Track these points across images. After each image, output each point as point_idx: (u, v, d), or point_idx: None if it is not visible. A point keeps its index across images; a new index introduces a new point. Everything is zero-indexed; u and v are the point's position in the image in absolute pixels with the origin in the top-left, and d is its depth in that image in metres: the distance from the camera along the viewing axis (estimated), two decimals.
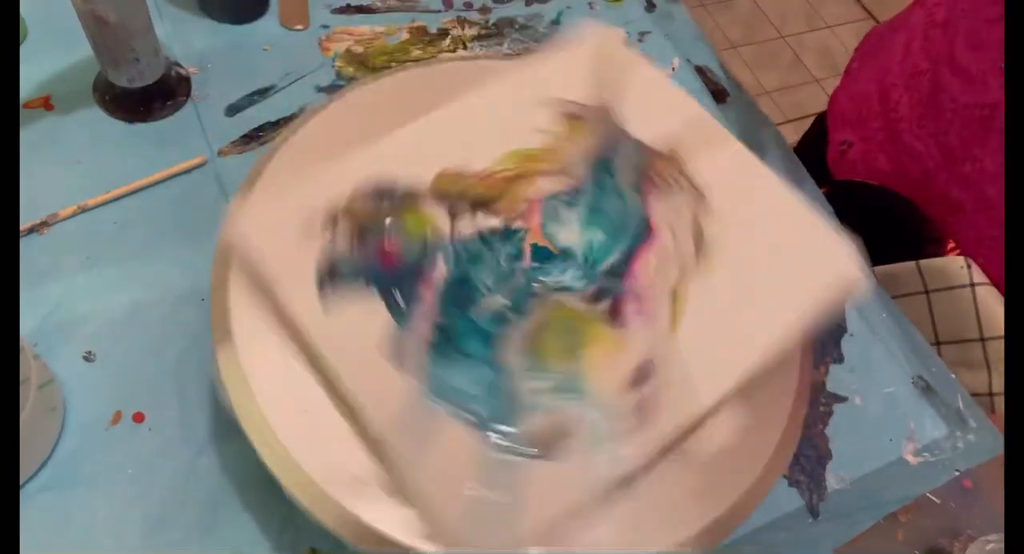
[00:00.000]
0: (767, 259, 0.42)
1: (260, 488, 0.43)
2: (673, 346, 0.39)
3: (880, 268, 0.62)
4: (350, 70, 0.60)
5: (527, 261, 0.41)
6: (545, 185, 0.43)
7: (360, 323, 0.37)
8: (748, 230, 0.43)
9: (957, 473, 0.51)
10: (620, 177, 0.44)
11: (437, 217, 0.41)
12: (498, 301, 0.39)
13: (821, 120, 0.74)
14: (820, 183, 0.64)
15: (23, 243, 0.49)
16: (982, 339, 0.58)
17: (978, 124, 0.57)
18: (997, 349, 0.58)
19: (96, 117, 0.55)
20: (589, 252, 0.41)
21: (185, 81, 0.57)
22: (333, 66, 0.60)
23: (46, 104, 0.54)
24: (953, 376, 0.55)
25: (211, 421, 0.45)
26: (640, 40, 0.68)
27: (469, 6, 0.67)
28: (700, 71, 0.67)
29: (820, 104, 0.75)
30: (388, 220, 0.40)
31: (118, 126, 0.55)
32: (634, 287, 0.40)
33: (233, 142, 0.55)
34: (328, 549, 0.42)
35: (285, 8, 0.63)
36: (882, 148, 0.66)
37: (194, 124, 0.56)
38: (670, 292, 0.40)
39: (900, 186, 0.65)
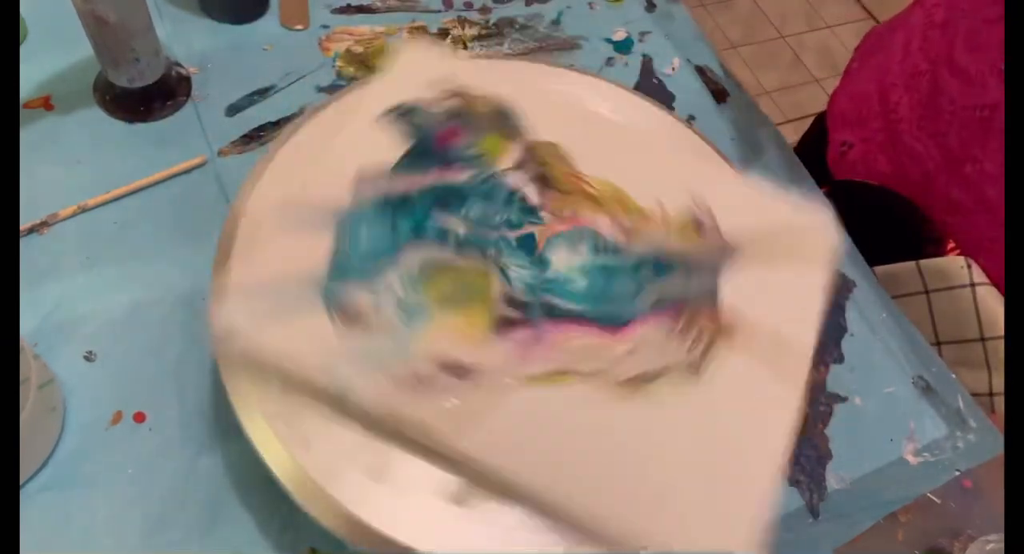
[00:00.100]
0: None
1: (260, 488, 0.43)
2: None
3: (880, 268, 0.62)
4: (350, 70, 0.60)
5: (512, 234, 0.43)
6: (599, 221, 0.44)
7: None
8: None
9: (957, 473, 0.51)
10: (654, 283, 0.42)
11: (511, 152, 0.45)
12: (455, 225, 0.42)
13: (821, 120, 0.74)
14: (820, 183, 0.64)
15: (23, 243, 0.49)
16: (982, 339, 0.58)
17: (978, 125, 0.57)
18: (997, 349, 0.58)
19: (96, 117, 0.55)
20: (565, 279, 0.42)
21: (185, 81, 0.57)
22: (333, 66, 0.60)
23: (46, 104, 0.54)
24: (953, 376, 0.55)
25: (211, 421, 0.45)
26: (640, 40, 0.68)
27: (469, 6, 0.67)
28: (700, 71, 0.67)
29: (820, 104, 0.75)
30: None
31: (118, 126, 0.55)
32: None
33: (233, 142, 0.55)
34: (328, 549, 0.42)
35: (285, 8, 0.63)
36: (882, 149, 0.66)
37: (194, 124, 0.56)
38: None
39: (900, 187, 0.65)
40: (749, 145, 0.64)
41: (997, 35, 0.55)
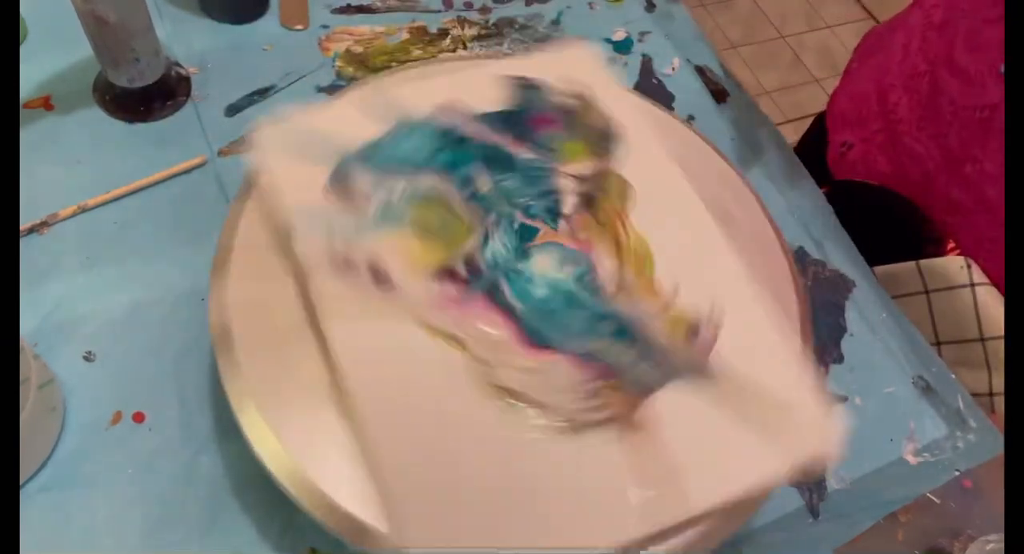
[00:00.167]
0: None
1: (260, 488, 0.43)
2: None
3: (880, 268, 0.62)
4: (350, 70, 0.60)
5: (521, 218, 0.43)
6: (605, 262, 0.43)
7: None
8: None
9: (957, 473, 0.51)
10: (603, 339, 0.41)
11: (584, 164, 0.46)
12: (483, 182, 0.44)
13: (821, 120, 0.74)
14: (820, 183, 0.64)
15: (23, 243, 0.49)
16: (982, 339, 0.58)
17: (977, 126, 0.57)
18: (997, 349, 0.58)
19: (96, 117, 0.55)
20: (530, 279, 0.42)
21: (185, 81, 0.57)
22: (333, 66, 0.60)
23: (46, 104, 0.54)
24: (953, 376, 0.55)
25: (211, 421, 0.45)
26: (640, 40, 0.68)
27: (469, 6, 0.67)
28: (700, 71, 0.67)
29: (820, 104, 0.75)
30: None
31: (118, 126, 0.55)
32: None
33: (233, 142, 0.55)
34: (328, 549, 0.42)
35: (285, 8, 0.63)
36: (882, 150, 0.66)
37: (194, 124, 0.56)
38: None
39: (900, 187, 0.65)
40: (749, 145, 0.64)
41: (997, 35, 0.55)
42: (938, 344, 0.61)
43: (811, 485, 0.49)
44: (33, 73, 0.55)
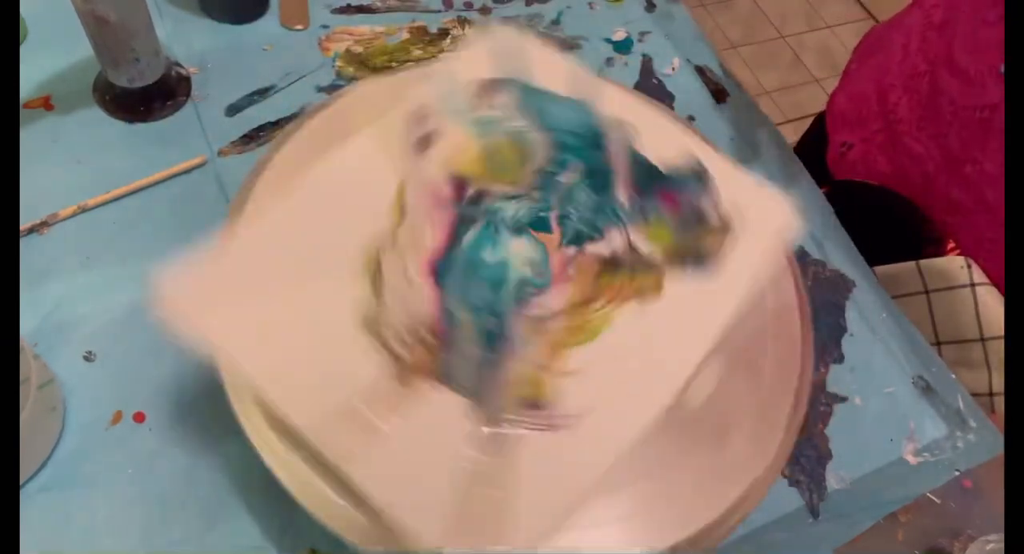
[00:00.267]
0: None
1: (260, 488, 0.43)
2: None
3: (880, 268, 0.62)
4: (350, 70, 0.60)
5: (550, 213, 0.44)
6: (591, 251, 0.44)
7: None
8: None
9: (957, 473, 0.51)
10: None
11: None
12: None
13: (821, 120, 0.74)
14: (820, 183, 0.64)
15: (23, 243, 0.49)
16: (982, 339, 0.58)
17: (977, 126, 0.57)
18: (997, 349, 0.58)
19: (96, 117, 0.55)
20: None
21: (185, 81, 0.57)
22: (333, 66, 0.60)
23: (46, 104, 0.54)
24: (953, 376, 0.55)
25: (211, 421, 0.45)
26: (640, 40, 0.68)
27: (469, 6, 0.67)
28: (700, 71, 0.67)
29: (820, 104, 0.75)
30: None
31: (118, 126, 0.55)
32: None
33: (233, 142, 0.55)
34: (328, 549, 0.42)
35: (285, 8, 0.63)
36: (882, 150, 0.66)
37: (194, 124, 0.56)
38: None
39: (900, 187, 0.65)
40: (748, 145, 0.64)
41: (996, 36, 0.55)
42: (938, 344, 0.61)
43: (811, 485, 0.49)
44: (33, 73, 0.55)
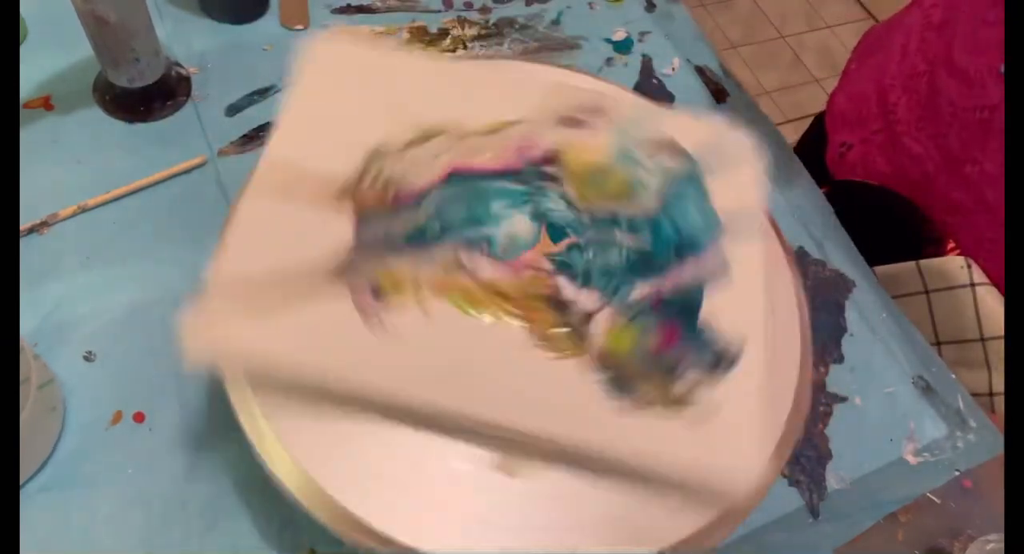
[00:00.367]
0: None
1: (260, 488, 0.43)
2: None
3: (880, 268, 0.62)
4: None
5: (574, 237, 0.43)
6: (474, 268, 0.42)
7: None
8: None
9: (957, 473, 0.51)
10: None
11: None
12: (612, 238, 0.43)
13: (820, 120, 0.74)
14: (820, 183, 0.64)
15: (23, 243, 0.49)
16: (982, 339, 0.58)
17: (977, 126, 0.57)
18: (997, 349, 0.58)
19: (96, 117, 0.55)
20: (515, 199, 0.43)
21: (185, 81, 0.57)
22: None
23: (46, 104, 0.54)
24: (953, 376, 0.55)
25: (211, 421, 0.45)
26: (640, 40, 0.68)
27: (469, 6, 0.67)
28: (700, 71, 0.67)
29: (820, 104, 0.75)
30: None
31: (118, 126, 0.55)
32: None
33: (233, 142, 0.55)
34: (328, 549, 0.42)
35: (285, 8, 0.63)
36: (881, 150, 0.66)
37: (194, 124, 0.56)
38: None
39: (900, 187, 0.65)
40: None
41: (996, 37, 0.55)
42: (938, 344, 0.61)
43: (811, 485, 0.49)
44: (33, 73, 0.55)
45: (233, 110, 0.57)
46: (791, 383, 0.42)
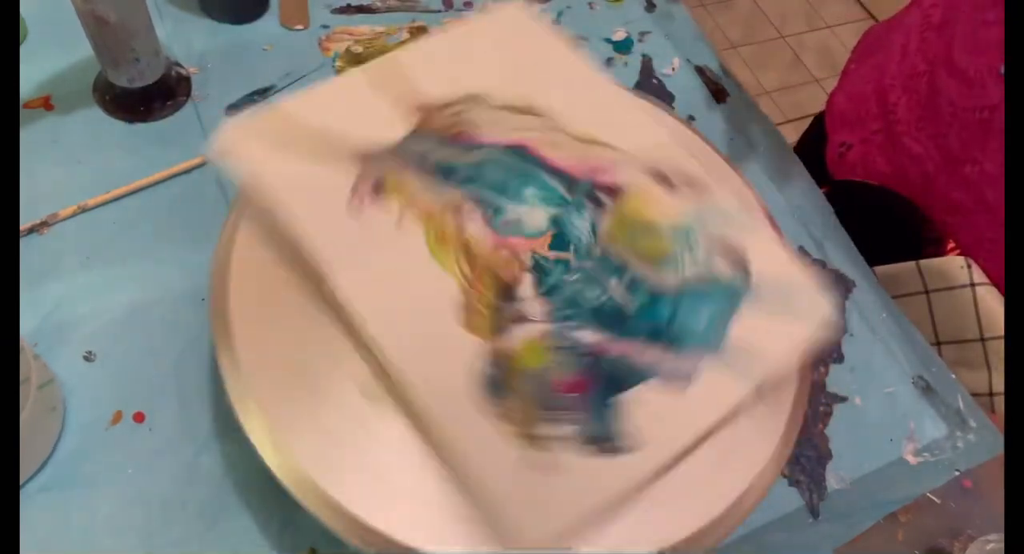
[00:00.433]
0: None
1: (260, 488, 0.43)
2: (631, 152, 0.45)
3: (880, 268, 0.62)
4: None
5: (570, 255, 0.42)
6: (472, 228, 0.42)
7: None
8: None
9: (957, 473, 0.51)
10: (452, 161, 0.44)
11: (527, 337, 0.40)
12: (614, 284, 0.41)
13: (820, 120, 0.74)
14: (820, 183, 0.64)
15: (23, 243, 0.49)
16: (982, 339, 0.58)
17: (977, 127, 0.57)
18: (997, 349, 0.58)
19: (96, 117, 0.55)
20: (550, 199, 0.44)
21: (185, 81, 0.57)
22: (333, 66, 0.60)
23: (46, 104, 0.54)
24: (953, 376, 0.55)
25: (211, 421, 0.45)
26: (640, 40, 0.68)
27: (469, 6, 0.67)
28: (700, 71, 0.67)
29: (820, 104, 0.75)
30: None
31: (118, 126, 0.55)
32: (581, 171, 0.45)
33: None
34: (328, 549, 0.42)
35: (285, 8, 0.63)
36: (881, 150, 0.66)
37: (194, 124, 0.56)
38: (579, 142, 0.45)
39: (900, 187, 0.65)
40: (748, 145, 0.64)
41: (995, 37, 0.55)
42: (938, 344, 0.61)
43: (811, 485, 0.49)
44: (33, 73, 0.55)
45: (233, 110, 0.57)
46: (791, 384, 0.42)
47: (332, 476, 0.35)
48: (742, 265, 0.42)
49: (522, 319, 0.39)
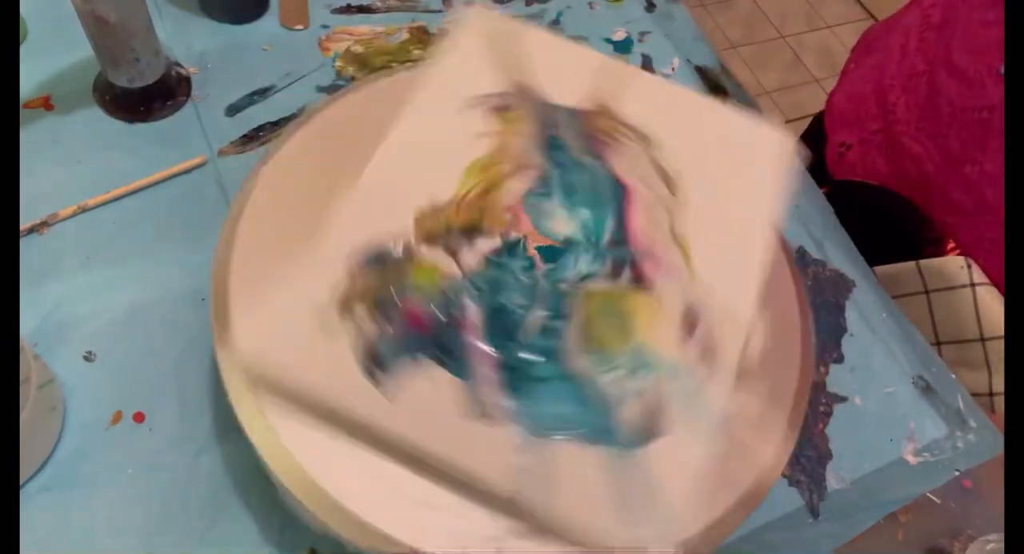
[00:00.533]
0: (721, 168, 0.44)
1: (260, 488, 0.43)
2: (699, 283, 0.41)
3: (880, 268, 0.62)
4: (350, 70, 0.60)
5: (541, 266, 0.41)
6: (515, 186, 0.43)
7: (430, 397, 0.36)
8: (693, 149, 0.45)
9: (957, 473, 0.51)
10: (572, 148, 0.44)
11: (439, 261, 0.40)
12: (538, 315, 0.39)
13: (820, 120, 0.74)
14: (820, 183, 0.64)
15: (23, 243, 0.49)
16: (982, 339, 0.59)
17: (977, 127, 0.57)
18: (997, 349, 0.58)
19: (96, 117, 0.55)
20: (588, 231, 0.42)
21: (185, 81, 0.57)
22: (333, 66, 0.60)
23: (46, 104, 0.54)
24: (953, 376, 0.55)
25: (211, 421, 0.45)
26: (640, 40, 0.68)
27: (469, 6, 0.67)
28: (700, 71, 0.67)
29: (820, 104, 0.75)
30: (395, 286, 0.38)
31: (118, 126, 0.55)
32: (641, 247, 0.42)
33: (233, 142, 0.55)
34: (328, 549, 0.42)
35: (285, 8, 0.63)
36: (881, 150, 0.66)
37: (194, 124, 0.56)
38: (670, 236, 0.42)
39: (900, 187, 0.65)
40: None
41: (995, 37, 0.55)
42: (938, 344, 0.61)
43: (811, 485, 0.49)
44: (33, 73, 0.55)
45: (233, 110, 0.57)
46: (791, 384, 0.42)
47: (332, 476, 0.35)
48: (638, 426, 0.37)
49: (455, 255, 0.40)
